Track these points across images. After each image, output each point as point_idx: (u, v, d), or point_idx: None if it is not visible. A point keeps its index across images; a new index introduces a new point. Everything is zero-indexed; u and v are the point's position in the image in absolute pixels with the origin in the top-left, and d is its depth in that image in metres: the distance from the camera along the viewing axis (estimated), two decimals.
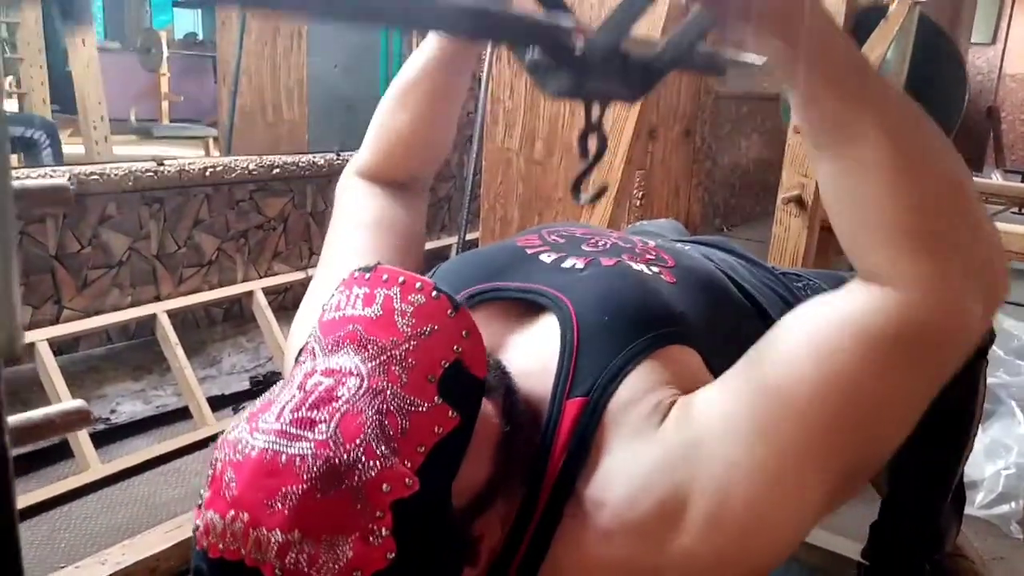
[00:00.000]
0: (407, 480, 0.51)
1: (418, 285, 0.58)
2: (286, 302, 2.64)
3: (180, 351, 2.19)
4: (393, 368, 0.55)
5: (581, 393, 0.66)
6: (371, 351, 0.56)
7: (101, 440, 2.01)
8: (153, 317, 2.24)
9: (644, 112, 1.87)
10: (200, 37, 6.86)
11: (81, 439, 1.90)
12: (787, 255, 1.59)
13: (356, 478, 0.50)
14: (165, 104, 5.69)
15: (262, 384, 2.40)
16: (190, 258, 2.41)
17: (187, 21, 7.25)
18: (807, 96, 0.61)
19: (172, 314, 2.28)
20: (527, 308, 0.75)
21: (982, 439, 1.94)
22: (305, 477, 0.50)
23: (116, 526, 1.76)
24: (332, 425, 0.52)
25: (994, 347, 2.05)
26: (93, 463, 1.90)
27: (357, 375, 0.54)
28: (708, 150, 2.34)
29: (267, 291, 2.55)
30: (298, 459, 0.50)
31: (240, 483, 0.51)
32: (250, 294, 2.51)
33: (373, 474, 0.50)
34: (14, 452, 0.56)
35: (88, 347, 2.24)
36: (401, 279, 0.59)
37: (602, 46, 0.56)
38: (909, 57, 1.57)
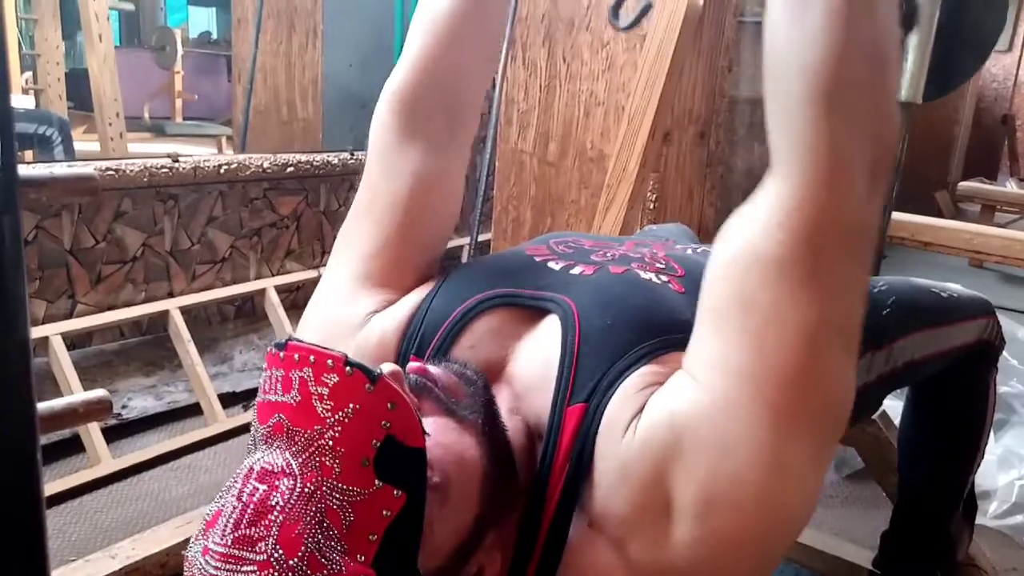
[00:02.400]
0: None
1: (329, 363, 0.55)
2: (298, 300, 2.64)
3: (192, 347, 2.19)
4: (324, 460, 0.53)
5: (581, 399, 0.65)
6: (299, 443, 0.54)
7: (112, 435, 2.02)
8: (166, 313, 2.24)
9: (660, 114, 1.87)
10: (215, 36, 6.90)
11: (93, 434, 1.90)
12: None
13: None
14: (179, 102, 5.72)
15: None
16: (203, 255, 2.41)
17: (202, 20, 7.30)
18: None
19: (185, 311, 2.29)
20: (536, 314, 0.75)
21: (995, 449, 1.93)
22: None
23: (126, 520, 1.76)
24: (271, 541, 0.50)
25: (1007, 356, 2.03)
26: (104, 458, 1.91)
27: (289, 474, 0.52)
28: (722, 154, 2.33)
29: (279, 289, 2.55)
30: None
31: None
32: (262, 292, 2.51)
33: None
34: None
35: (101, 342, 2.24)
36: (312, 358, 0.56)
37: None
38: None
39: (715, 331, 0.62)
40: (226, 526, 0.52)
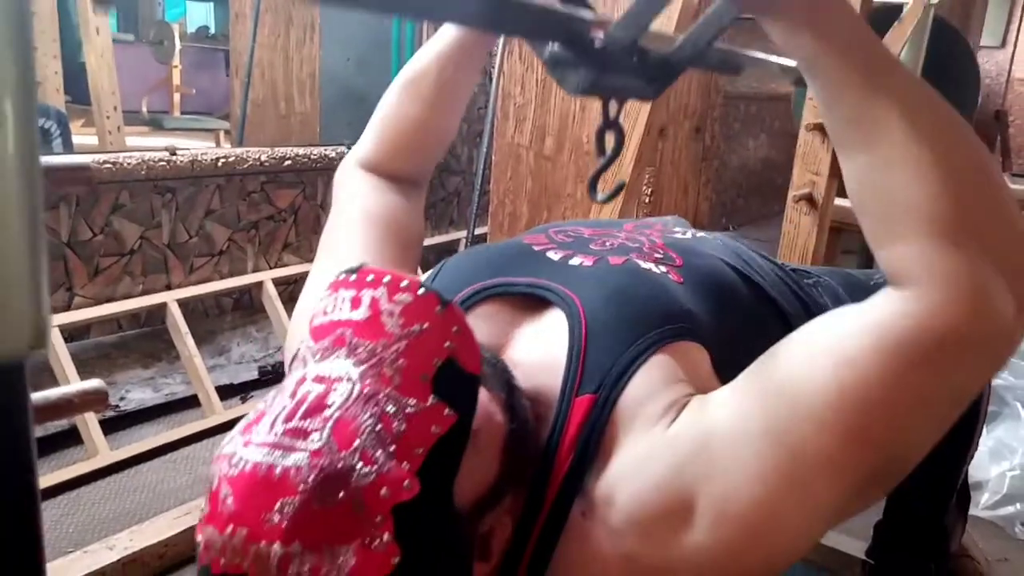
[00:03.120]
0: (406, 483, 0.51)
1: (404, 284, 0.57)
2: (296, 293, 2.64)
3: (190, 340, 2.19)
4: (384, 370, 0.54)
5: (590, 390, 0.65)
6: (361, 354, 0.55)
7: (110, 427, 2.02)
8: (164, 306, 2.25)
9: (655, 109, 1.87)
10: (212, 31, 6.88)
11: (91, 425, 1.91)
12: (796, 253, 1.59)
13: (353, 485, 0.49)
14: (177, 96, 5.70)
15: (271, 374, 2.41)
16: (201, 248, 2.42)
17: (200, 15, 7.27)
18: (833, 92, 0.60)
19: (182, 303, 2.29)
20: (534, 304, 0.75)
21: (987, 440, 1.94)
22: (301, 488, 0.49)
23: (124, 512, 1.77)
24: (325, 433, 0.51)
25: None
26: (102, 449, 1.91)
27: (348, 380, 0.53)
28: (717, 149, 2.34)
29: (277, 281, 2.56)
30: (293, 470, 0.50)
31: (236, 498, 0.50)
32: (260, 284, 2.52)
33: (370, 480, 0.50)
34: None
35: (99, 335, 2.25)
36: (387, 279, 0.58)
37: (621, 40, 0.55)
38: (923, 58, 1.58)
39: (799, 364, 0.60)
40: (275, 420, 0.52)
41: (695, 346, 0.71)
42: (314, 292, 0.84)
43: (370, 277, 0.58)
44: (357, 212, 0.89)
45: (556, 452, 0.64)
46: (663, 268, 0.79)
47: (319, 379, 0.54)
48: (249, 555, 0.49)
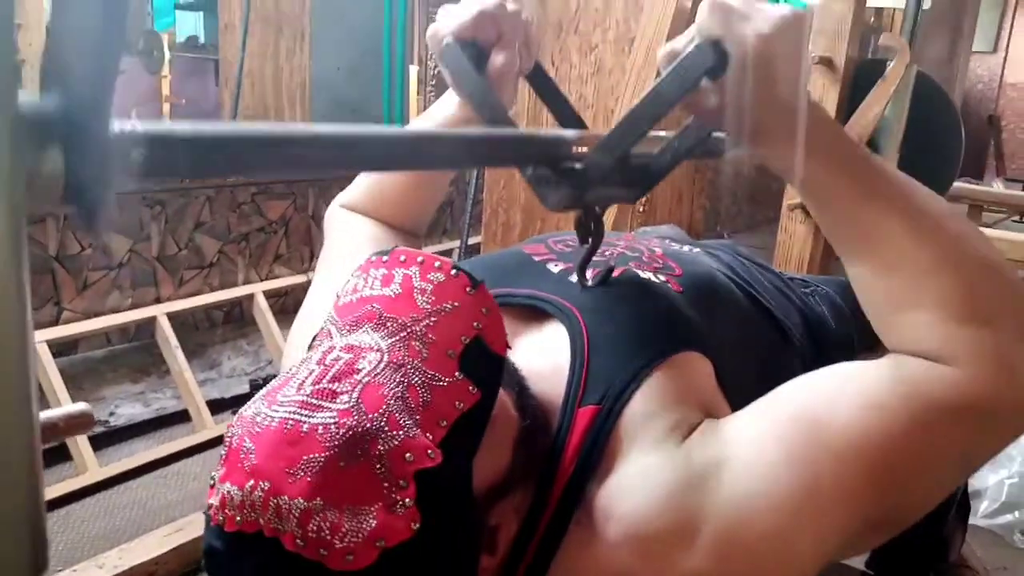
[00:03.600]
0: (430, 452, 0.51)
1: (437, 264, 0.58)
2: (287, 305, 2.63)
3: (180, 354, 2.18)
4: (413, 343, 0.54)
5: (593, 401, 0.64)
6: (391, 328, 0.55)
7: (100, 443, 2.01)
8: (153, 319, 2.23)
9: None
10: (202, 40, 6.86)
11: (80, 441, 1.89)
12: (792, 262, 1.58)
13: (379, 447, 0.49)
14: (166, 106, 5.69)
15: (262, 387, 2.38)
16: (191, 260, 2.40)
17: (189, 24, 7.26)
18: (828, 204, 0.62)
19: (172, 316, 2.27)
20: (534, 315, 0.74)
21: None
22: (327, 445, 0.49)
23: (114, 529, 1.75)
24: (354, 395, 0.51)
25: None
26: (91, 466, 1.89)
27: (377, 350, 0.54)
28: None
29: (268, 294, 2.54)
30: (320, 428, 0.49)
31: (260, 453, 0.50)
32: (251, 297, 2.50)
33: (396, 443, 0.50)
34: None
35: (87, 349, 2.23)
36: (420, 259, 0.59)
37: (601, 163, 0.57)
38: (907, 114, 1.61)
39: (825, 400, 0.61)
40: (303, 382, 0.52)
41: (698, 356, 0.70)
42: (311, 316, 0.83)
43: (403, 257, 0.59)
44: (351, 241, 0.88)
45: (560, 460, 0.64)
46: (662, 277, 0.78)
47: (348, 348, 0.54)
48: (268, 510, 0.48)
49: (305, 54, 3.17)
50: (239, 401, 2.32)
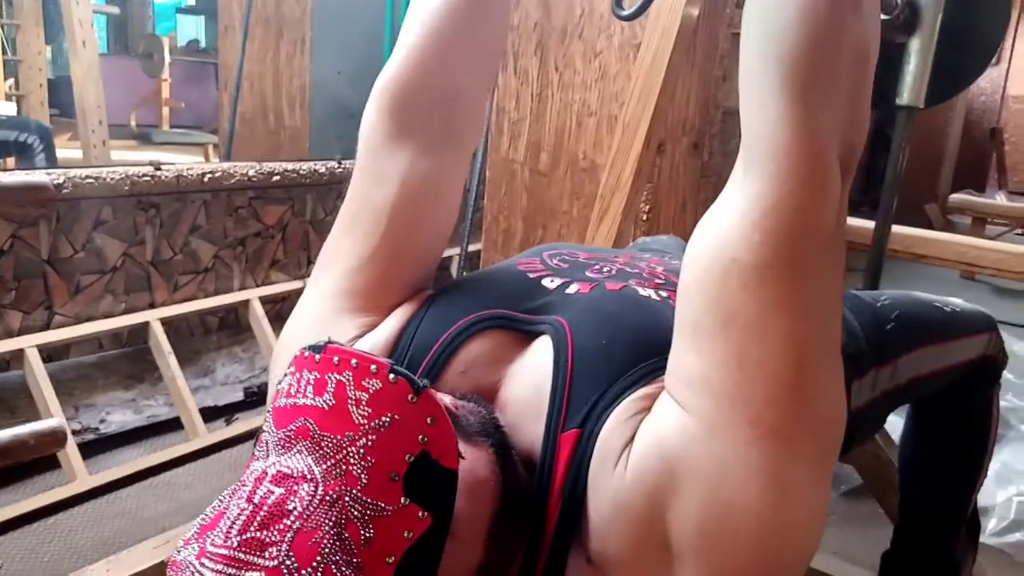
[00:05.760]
0: None
1: (373, 368, 0.52)
2: (283, 312, 2.59)
3: (173, 360, 2.14)
4: (351, 468, 0.49)
5: (575, 425, 0.61)
6: (325, 448, 0.50)
7: (89, 450, 1.97)
8: (146, 325, 2.19)
9: (654, 124, 1.84)
10: (203, 45, 6.85)
11: (69, 449, 1.84)
12: None
13: None
14: (166, 110, 5.67)
15: (256, 395, 2.35)
16: (186, 265, 2.36)
17: (190, 29, 7.25)
18: None
19: (166, 322, 2.24)
20: (528, 336, 0.70)
21: (992, 464, 1.89)
22: None
23: (102, 540, 1.71)
24: (284, 547, 0.46)
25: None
26: (80, 474, 1.85)
27: (311, 480, 0.49)
28: (716, 165, 2.31)
29: (264, 300, 2.50)
30: None
31: None
32: (247, 303, 2.46)
33: None
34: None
35: (79, 354, 2.19)
36: (354, 362, 0.53)
37: None
38: None
39: (693, 347, 0.58)
40: (231, 528, 0.48)
41: None
42: (305, 316, 0.78)
43: (336, 359, 0.53)
44: (357, 210, 0.77)
45: (547, 499, 0.60)
46: (664, 293, 0.75)
47: (280, 478, 0.50)
48: None
49: (305, 58, 3.15)
50: (233, 409, 2.29)
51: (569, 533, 0.59)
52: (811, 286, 0.57)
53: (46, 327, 2.06)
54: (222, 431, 2.16)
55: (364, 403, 0.51)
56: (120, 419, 2.10)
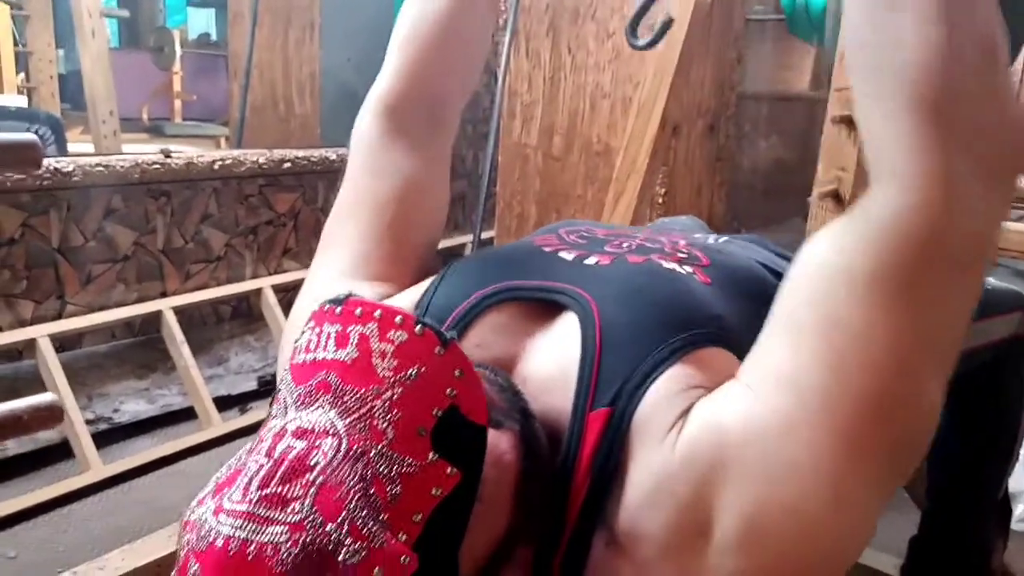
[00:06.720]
0: (403, 558, 0.44)
1: (398, 319, 0.50)
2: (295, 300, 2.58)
3: (186, 349, 2.14)
4: (376, 422, 0.47)
5: (605, 403, 0.59)
6: (348, 403, 0.48)
7: (103, 440, 1.97)
8: (159, 314, 2.19)
9: (669, 106, 1.80)
10: (214, 38, 6.85)
11: (82, 438, 1.85)
12: None
13: (341, 565, 0.43)
14: (178, 103, 5.68)
15: (270, 384, 2.34)
16: (198, 254, 2.36)
17: (201, 22, 7.26)
18: None
19: (178, 311, 2.23)
20: (547, 308, 0.68)
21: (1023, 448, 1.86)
22: (279, 570, 0.42)
23: (117, 529, 1.71)
24: (307, 502, 0.44)
25: None
26: (94, 464, 1.86)
27: (334, 435, 0.47)
28: (731, 148, 2.27)
29: (276, 289, 2.49)
30: (270, 548, 0.43)
31: None
32: (259, 291, 2.46)
33: (360, 558, 0.43)
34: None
35: (91, 344, 2.19)
36: (377, 313, 0.51)
37: None
38: None
39: (789, 343, 0.56)
40: (250, 483, 0.46)
41: (723, 352, 0.64)
42: (316, 291, 0.77)
43: (358, 311, 0.51)
44: (357, 198, 0.81)
45: (572, 478, 0.58)
46: (688, 268, 0.72)
47: (301, 433, 0.47)
48: None
49: (315, 45, 3.13)
50: (247, 398, 2.29)
51: (595, 512, 0.57)
52: (926, 305, 0.54)
53: (58, 316, 2.06)
54: (236, 420, 2.16)
55: (389, 355, 0.49)
56: (134, 408, 2.10)
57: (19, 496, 1.74)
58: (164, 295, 2.27)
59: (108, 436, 2.01)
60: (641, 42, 0.62)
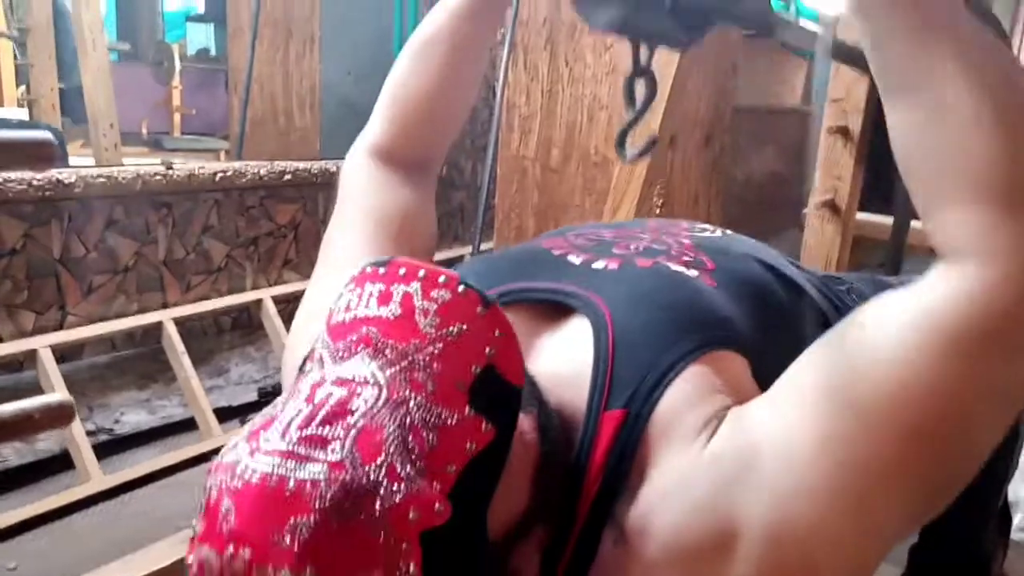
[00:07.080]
0: (437, 506, 0.45)
1: (442, 279, 0.52)
2: (296, 311, 2.59)
3: (187, 360, 2.14)
4: (416, 375, 0.48)
5: (620, 404, 0.59)
6: (389, 356, 0.49)
7: (104, 451, 1.97)
8: (159, 325, 2.19)
9: (666, 117, 1.82)
10: (213, 52, 6.88)
11: (83, 449, 1.85)
12: (819, 263, 1.53)
13: (378, 505, 0.44)
14: (177, 117, 5.69)
15: (271, 395, 2.34)
16: (198, 265, 2.36)
17: (200, 37, 7.28)
18: (884, 31, 0.55)
19: (179, 322, 2.24)
20: (556, 311, 0.69)
21: (1022, 456, 1.87)
22: (318, 505, 0.43)
23: (117, 541, 1.70)
24: (348, 443, 0.45)
25: None
26: (95, 475, 1.85)
27: (374, 384, 0.48)
28: (728, 160, 2.29)
29: (277, 300, 2.50)
30: (309, 484, 0.44)
31: (240, 514, 0.44)
32: (259, 302, 2.46)
33: (398, 499, 0.44)
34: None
35: (92, 355, 2.20)
36: (421, 272, 0.52)
37: None
38: None
39: (860, 366, 0.55)
40: (288, 426, 0.46)
41: (734, 355, 0.65)
42: (313, 306, 0.78)
43: (402, 270, 0.52)
44: (360, 214, 0.84)
45: (584, 475, 0.58)
46: (695, 272, 0.73)
47: (341, 382, 0.48)
48: None
49: (315, 58, 3.15)
50: (247, 409, 2.28)
51: (606, 510, 0.57)
52: (997, 364, 0.53)
53: (59, 327, 2.06)
54: (237, 431, 2.15)
55: (432, 312, 0.50)
56: (134, 419, 2.10)
57: (19, 507, 1.74)
58: (165, 306, 2.28)
59: (109, 447, 2.01)
60: (629, 156, 0.64)
